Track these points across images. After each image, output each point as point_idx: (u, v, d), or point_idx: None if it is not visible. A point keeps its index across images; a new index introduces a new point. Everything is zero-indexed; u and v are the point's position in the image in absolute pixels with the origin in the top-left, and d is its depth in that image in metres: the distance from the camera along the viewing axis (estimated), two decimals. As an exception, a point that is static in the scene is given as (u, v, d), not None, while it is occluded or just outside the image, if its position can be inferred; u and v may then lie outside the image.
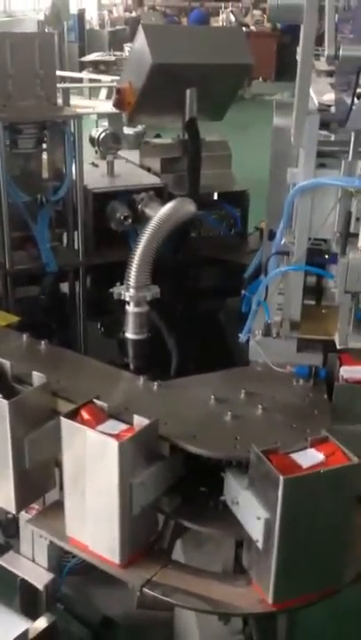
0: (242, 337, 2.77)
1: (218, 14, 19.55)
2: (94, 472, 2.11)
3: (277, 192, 2.71)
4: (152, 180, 4.20)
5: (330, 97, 3.56)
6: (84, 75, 13.90)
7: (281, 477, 1.90)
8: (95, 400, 2.25)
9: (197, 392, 2.50)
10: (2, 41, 3.75)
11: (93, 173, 4.27)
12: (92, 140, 4.72)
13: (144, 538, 2.24)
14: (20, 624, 2.45)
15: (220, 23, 18.20)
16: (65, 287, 4.12)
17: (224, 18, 18.73)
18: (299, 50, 2.42)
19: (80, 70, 15.01)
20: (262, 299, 2.67)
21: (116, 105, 4.30)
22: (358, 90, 2.53)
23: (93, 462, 2.11)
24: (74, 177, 3.86)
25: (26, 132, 3.79)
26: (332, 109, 3.12)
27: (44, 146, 3.94)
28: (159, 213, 3.17)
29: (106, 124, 5.48)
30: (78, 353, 3.18)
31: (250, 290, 3.06)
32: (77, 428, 2.14)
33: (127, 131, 5.94)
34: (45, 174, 3.99)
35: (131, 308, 2.98)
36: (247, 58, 4.23)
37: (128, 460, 2.06)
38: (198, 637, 2.73)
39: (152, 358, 3.08)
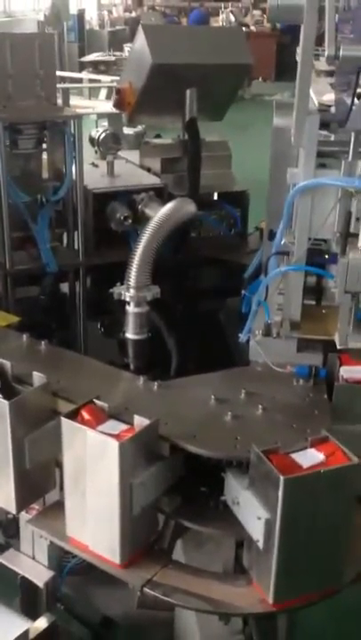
0: (242, 337, 2.77)
1: (218, 14, 19.54)
2: (95, 472, 2.12)
3: (277, 192, 2.71)
4: (152, 180, 4.20)
5: (330, 97, 3.57)
6: (84, 75, 13.89)
7: (281, 477, 1.90)
8: (95, 400, 2.25)
9: (198, 392, 2.50)
10: (2, 41, 3.75)
11: (93, 174, 4.27)
12: (92, 141, 4.73)
13: (144, 538, 2.24)
14: (21, 624, 2.45)
15: (220, 23, 18.19)
16: (65, 287, 4.12)
17: (224, 18, 18.72)
18: (299, 50, 2.42)
19: (80, 70, 15.01)
20: (262, 299, 2.68)
21: (116, 105, 4.30)
22: (358, 90, 2.53)
23: (94, 462, 2.11)
24: (74, 177, 3.86)
25: (26, 132, 3.78)
26: (332, 109, 3.13)
27: (44, 146, 3.94)
28: (159, 213, 3.17)
29: (105, 124, 5.48)
30: (78, 353, 3.17)
31: (250, 290, 3.06)
32: (78, 428, 2.14)
33: (127, 131, 5.94)
34: (45, 174, 3.99)
35: (131, 309, 2.98)
36: (247, 58, 4.23)
37: (128, 461, 2.06)
38: (199, 637, 2.73)
39: (152, 358, 3.08)
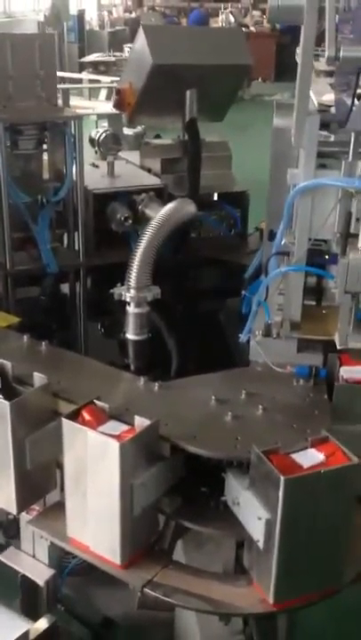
0: (242, 337, 2.77)
1: (217, 15, 19.55)
2: (95, 473, 2.12)
3: (277, 192, 2.72)
4: (152, 180, 4.20)
5: (329, 97, 3.57)
6: (84, 75, 13.90)
7: (282, 477, 1.90)
8: (96, 401, 2.25)
9: (198, 392, 2.50)
10: (2, 42, 3.75)
11: (94, 174, 4.28)
12: (92, 141, 4.73)
13: (145, 538, 2.25)
14: (21, 625, 2.44)
15: (220, 24, 18.19)
16: (65, 288, 4.13)
17: (223, 18, 18.72)
18: (298, 50, 2.42)
19: (80, 71, 15.01)
20: (263, 299, 2.68)
21: (116, 106, 4.30)
22: (358, 90, 2.54)
23: (94, 463, 2.11)
24: (74, 178, 3.87)
25: (26, 132, 3.79)
26: (333, 110, 3.13)
27: (45, 147, 3.94)
28: (160, 214, 3.18)
29: (105, 124, 5.49)
30: (79, 354, 3.17)
31: (250, 290, 3.06)
32: (78, 428, 2.14)
33: (127, 131, 5.95)
34: (46, 175, 3.99)
35: (131, 309, 2.98)
36: (247, 58, 4.23)
37: (129, 461, 2.06)
38: (199, 638, 2.73)
39: (153, 359, 3.08)
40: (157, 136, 5.19)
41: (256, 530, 2.02)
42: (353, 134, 2.47)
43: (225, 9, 19.79)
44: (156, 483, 2.18)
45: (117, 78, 6.41)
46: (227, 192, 4.32)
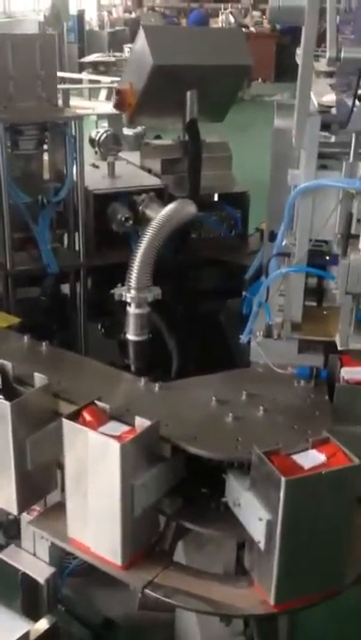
0: (243, 338, 2.77)
1: (217, 15, 19.55)
2: (96, 473, 2.12)
3: (278, 193, 2.71)
4: (153, 181, 4.20)
5: (330, 98, 3.57)
6: (84, 76, 13.89)
7: (283, 478, 1.90)
8: (97, 401, 2.25)
9: (199, 393, 2.50)
10: (3, 42, 3.76)
11: (94, 174, 4.27)
12: (92, 142, 4.73)
13: (145, 539, 2.24)
14: (22, 626, 2.45)
15: (220, 24, 18.20)
16: (66, 288, 4.13)
17: (223, 19, 18.73)
18: (299, 51, 2.42)
19: (79, 71, 15.01)
20: (263, 300, 2.68)
21: (116, 106, 4.29)
22: (359, 91, 2.53)
23: (95, 464, 2.11)
24: (75, 178, 3.87)
25: (27, 133, 3.79)
26: (333, 111, 3.13)
27: (45, 147, 3.94)
28: (160, 215, 3.18)
29: (105, 125, 5.49)
30: (79, 354, 3.17)
31: (251, 291, 3.06)
32: (79, 429, 2.14)
33: (127, 132, 5.95)
34: (46, 175, 3.99)
35: (132, 310, 2.98)
36: (247, 59, 4.23)
37: (130, 462, 2.06)
38: (199, 639, 2.73)
39: (153, 360, 3.08)
40: (157, 136, 5.19)
41: (257, 531, 2.02)
42: (354, 135, 2.47)
43: (225, 9, 19.80)
44: (157, 483, 2.18)
45: (117, 78, 6.42)
46: (227, 193, 4.32)
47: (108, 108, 6.72)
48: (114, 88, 5.12)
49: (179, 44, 4.10)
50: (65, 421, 2.16)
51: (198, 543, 2.60)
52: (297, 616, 2.87)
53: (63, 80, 11.21)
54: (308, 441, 2.09)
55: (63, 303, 4.16)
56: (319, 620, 3.14)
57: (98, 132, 4.79)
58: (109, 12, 21.98)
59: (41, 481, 2.43)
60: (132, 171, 4.46)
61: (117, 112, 4.48)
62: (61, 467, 2.31)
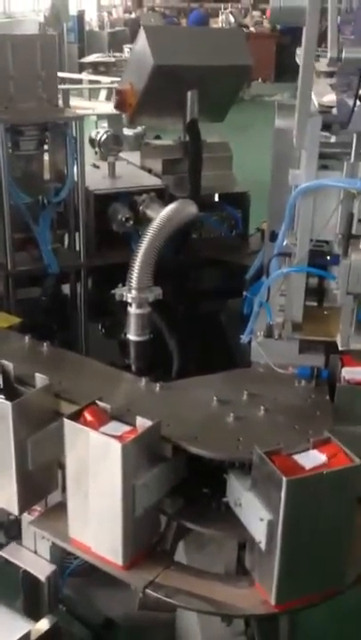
0: (244, 338, 2.77)
1: (217, 15, 19.56)
2: (97, 473, 2.12)
3: (279, 193, 2.71)
4: (153, 181, 4.20)
5: (330, 98, 3.57)
6: (84, 76, 13.89)
7: (284, 479, 1.90)
8: (98, 401, 2.25)
9: (200, 393, 2.50)
10: (3, 42, 3.75)
11: (94, 175, 4.27)
12: (92, 142, 4.73)
13: (147, 539, 2.24)
14: (23, 626, 2.45)
15: (220, 24, 18.21)
16: (66, 288, 4.13)
17: (223, 19, 18.74)
18: (299, 51, 2.42)
19: (79, 71, 15.01)
20: (264, 300, 2.68)
21: (116, 106, 4.30)
22: (360, 91, 2.53)
23: (96, 464, 2.11)
24: (75, 178, 3.87)
25: (27, 133, 3.79)
26: (334, 111, 3.13)
27: (46, 147, 3.94)
28: (161, 215, 3.18)
29: (105, 125, 5.49)
30: (80, 354, 3.17)
31: (251, 291, 3.06)
32: (80, 429, 2.14)
33: (127, 132, 5.95)
34: (47, 176, 3.99)
35: (133, 310, 2.99)
36: (247, 59, 4.23)
37: (131, 462, 2.06)
38: (200, 639, 2.73)
39: (154, 360, 3.08)
40: (157, 137, 5.18)
41: (258, 531, 2.02)
42: (355, 135, 2.47)
43: (225, 9, 19.82)
44: (158, 483, 2.18)
45: (117, 79, 6.42)
46: (228, 193, 4.32)
47: (109, 108, 6.71)
48: (114, 88, 5.13)
49: (179, 44, 4.10)
50: (66, 421, 2.16)
51: (199, 543, 2.61)
52: (297, 616, 2.87)
53: (63, 80, 11.19)
54: (310, 441, 2.09)
55: (64, 303, 4.16)
56: (320, 620, 3.14)
57: (98, 133, 4.79)
58: (109, 13, 22.01)
59: (42, 481, 2.43)
60: (132, 171, 4.46)
61: (117, 112, 4.48)
62: (62, 467, 2.30)
